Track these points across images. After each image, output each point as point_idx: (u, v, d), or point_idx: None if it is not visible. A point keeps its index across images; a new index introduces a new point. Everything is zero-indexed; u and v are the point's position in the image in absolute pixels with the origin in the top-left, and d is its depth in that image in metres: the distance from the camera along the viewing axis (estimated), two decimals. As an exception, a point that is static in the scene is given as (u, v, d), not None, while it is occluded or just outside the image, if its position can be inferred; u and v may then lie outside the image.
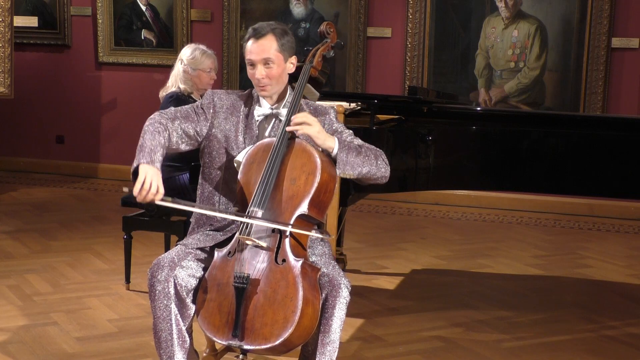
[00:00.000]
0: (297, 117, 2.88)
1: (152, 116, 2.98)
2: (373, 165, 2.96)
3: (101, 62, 7.76)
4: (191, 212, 4.32)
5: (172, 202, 2.78)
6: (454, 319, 4.31)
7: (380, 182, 3.03)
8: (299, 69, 3.11)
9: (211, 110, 3.06)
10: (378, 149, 3.03)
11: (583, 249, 5.82)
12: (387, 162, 3.02)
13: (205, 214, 3.06)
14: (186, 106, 3.08)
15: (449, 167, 4.35)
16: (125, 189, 2.83)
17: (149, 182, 2.74)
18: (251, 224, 2.78)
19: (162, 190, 2.77)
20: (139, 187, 2.74)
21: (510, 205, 6.90)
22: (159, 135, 2.89)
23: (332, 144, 2.90)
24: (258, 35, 2.96)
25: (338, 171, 2.90)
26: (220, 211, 3.02)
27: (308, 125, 2.87)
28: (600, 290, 4.92)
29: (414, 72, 6.94)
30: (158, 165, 2.82)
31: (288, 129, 2.88)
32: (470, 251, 5.68)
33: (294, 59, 3.04)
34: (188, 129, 3.01)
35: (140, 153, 2.83)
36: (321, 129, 2.91)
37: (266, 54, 2.95)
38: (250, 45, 2.97)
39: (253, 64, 2.97)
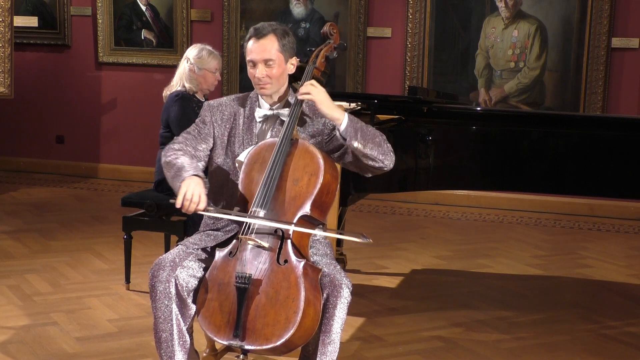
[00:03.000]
0: (304, 87, 2.91)
1: (166, 148, 3.03)
2: (381, 146, 2.91)
3: (101, 62, 7.76)
4: (192, 214, 4.35)
5: (216, 211, 2.85)
6: (454, 319, 4.31)
7: (384, 167, 2.93)
8: (301, 69, 3.12)
9: (211, 122, 3.08)
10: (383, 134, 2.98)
11: (583, 249, 5.82)
12: (391, 149, 2.96)
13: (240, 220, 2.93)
14: (191, 128, 3.11)
15: (449, 167, 4.35)
16: (172, 201, 2.86)
17: (191, 192, 2.79)
18: (253, 225, 2.79)
19: (204, 199, 2.81)
20: (181, 199, 2.79)
21: (510, 205, 6.90)
22: (185, 155, 2.96)
23: (341, 116, 2.86)
24: (259, 35, 2.96)
25: (349, 142, 2.84)
26: (259, 218, 2.88)
27: (311, 94, 2.88)
28: (600, 290, 4.92)
29: (414, 72, 6.94)
30: (201, 174, 2.88)
31: (298, 96, 2.91)
32: (470, 251, 5.68)
33: (294, 60, 3.04)
34: (200, 149, 3.06)
35: (179, 173, 2.87)
36: (327, 96, 2.90)
37: (267, 54, 2.95)
38: (251, 44, 2.98)
39: (254, 64, 2.97)
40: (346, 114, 2.88)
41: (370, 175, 3.02)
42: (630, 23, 6.55)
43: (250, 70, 3.00)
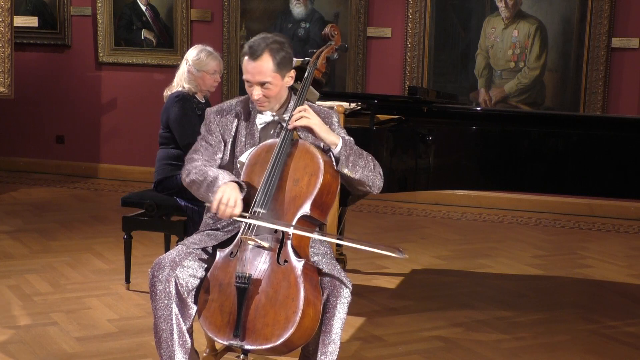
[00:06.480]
0: (296, 112, 2.89)
1: (188, 166, 3.01)
2: (371, 171, 2.97)
3: (101, 62, 7.76)
4: (192, 214, 4.36)
5: (250, 217, 2.79)
6: (454, 319, 4.31)
7: (371, 191, 3.02)
8: (302, 70, 3.11)
9: (216, 127, 3.07)
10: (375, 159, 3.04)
11: (583, 249, 5.82)
12: (382, 174, 3.03)
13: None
14: (199, 144, 3.09)
15: (449, 167, 4.35)
16: (207, 205, 2.86)
17: (227, 197, 2.79)
18: (253, 224, 2.79)
19: (240, 204, 2.80)
20: (217, 203, 2.78)
21: (510, 205, 6.90)
22: (213, 166, 2.97)
23: (336, 140, 2.91)
24: (254, 55, 2.91)
25: (339, 168, 2.89)
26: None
27: (307, 118, 2.88)
28: (600, 290, 4.92)
29: (414, 72, 6.94)
30: (237, 180, 2.87)
31: (290, 126, 2.89)
32: (470, 251, 5.68)
33: (292, 73, 3.01)
34: (217, 158, 3.05)
35: (214, 182, 2.86)
36: (321, 122, 2.92)
37: (262, 77, 2.92)
38: (246, 63, 2.94)
39: (251, 84, 2.96)
40: (341, 139, 2.92)
41: (356, 193, 3.07)
42: (630, 23, 6.55)
43: (247, 87, 2.98)
